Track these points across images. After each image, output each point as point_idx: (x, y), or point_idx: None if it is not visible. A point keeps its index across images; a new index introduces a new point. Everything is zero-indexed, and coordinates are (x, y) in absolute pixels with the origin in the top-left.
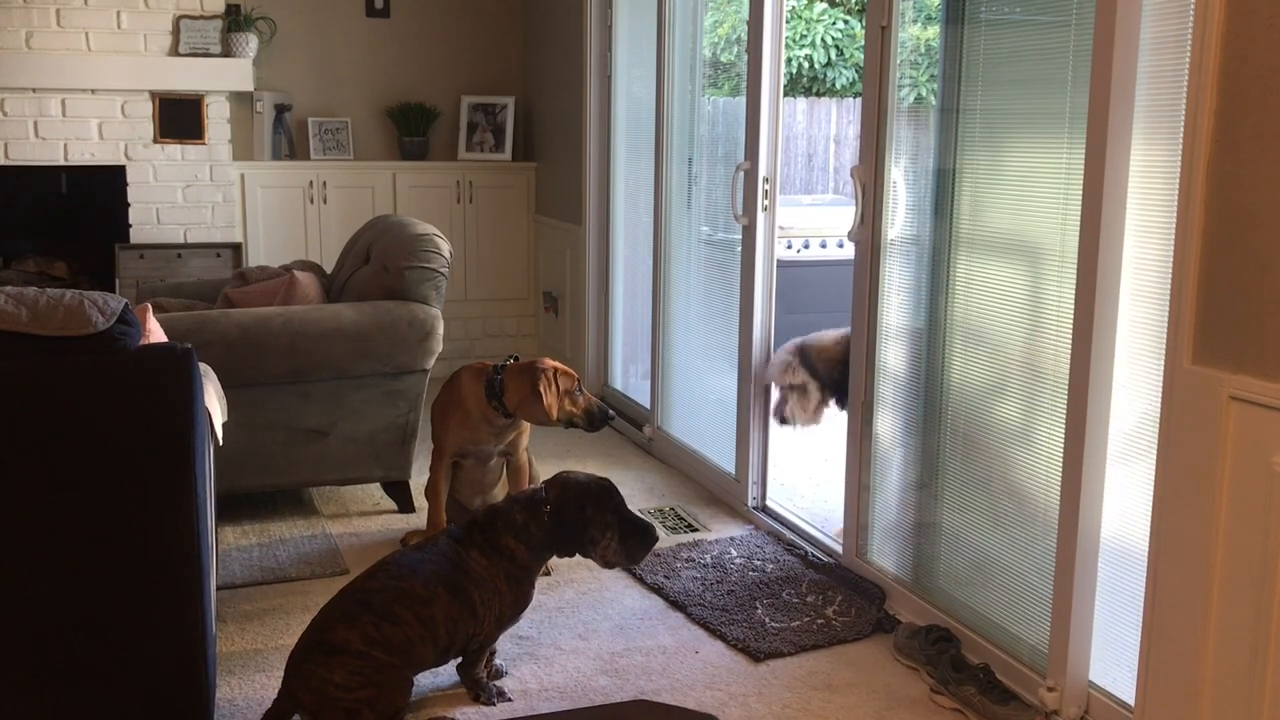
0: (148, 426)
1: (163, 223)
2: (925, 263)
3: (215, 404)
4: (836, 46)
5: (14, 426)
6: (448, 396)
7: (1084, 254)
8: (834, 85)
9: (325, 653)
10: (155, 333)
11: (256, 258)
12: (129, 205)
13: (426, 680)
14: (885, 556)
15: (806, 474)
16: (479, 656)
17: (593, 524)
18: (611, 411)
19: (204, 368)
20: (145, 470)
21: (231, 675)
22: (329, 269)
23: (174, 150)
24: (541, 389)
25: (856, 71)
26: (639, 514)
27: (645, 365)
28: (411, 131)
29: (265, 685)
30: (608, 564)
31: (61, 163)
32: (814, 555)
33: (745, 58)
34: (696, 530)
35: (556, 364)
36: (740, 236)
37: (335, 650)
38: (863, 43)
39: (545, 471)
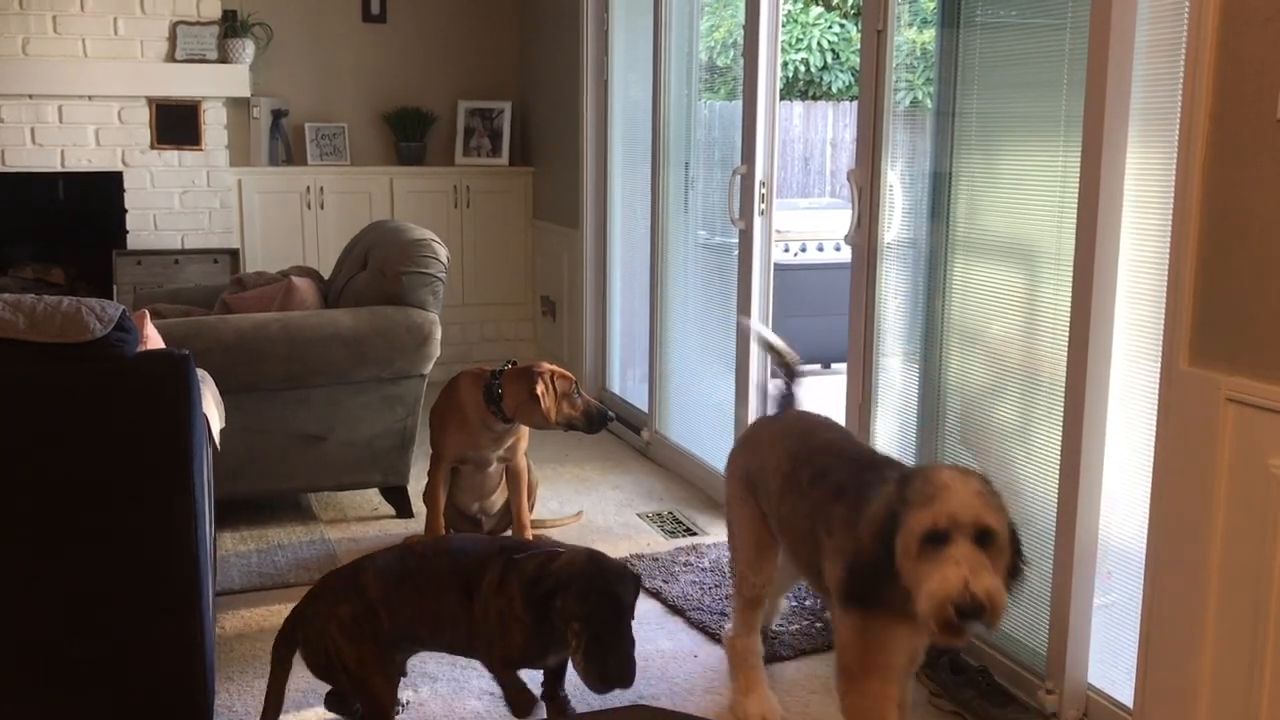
0: (146, 433)
1: (160, 229)
2: (922, 266)
3: (213, 410)
4: (832, 50)
5: (12, 433)
6: (446, 402)
7: (1080, 256)
8: (830, 89)
9: (354, 590)
10: (153, 339)
11: (254, 263)
12: (126, 211)
13: (426, 688)
14: None
15: None
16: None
17: (562, 618)
18: (611, 413)
19: (202, 374)
20: (144, 476)
21: (230, 681)
22: (326, 274)
23: (171, 156)
24: (539, 392)
25: (852, 75)
26: (627, 640)
27: (643, 369)
28: (408, 136)
29: (264, 690)
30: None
31: (58, 169)
32: None
33: (741, 61)
34: (695, 534)
35: (553, 367)
36: (737, 240)
37: (360, 589)
38: (859, 46)
39: (543, 474)
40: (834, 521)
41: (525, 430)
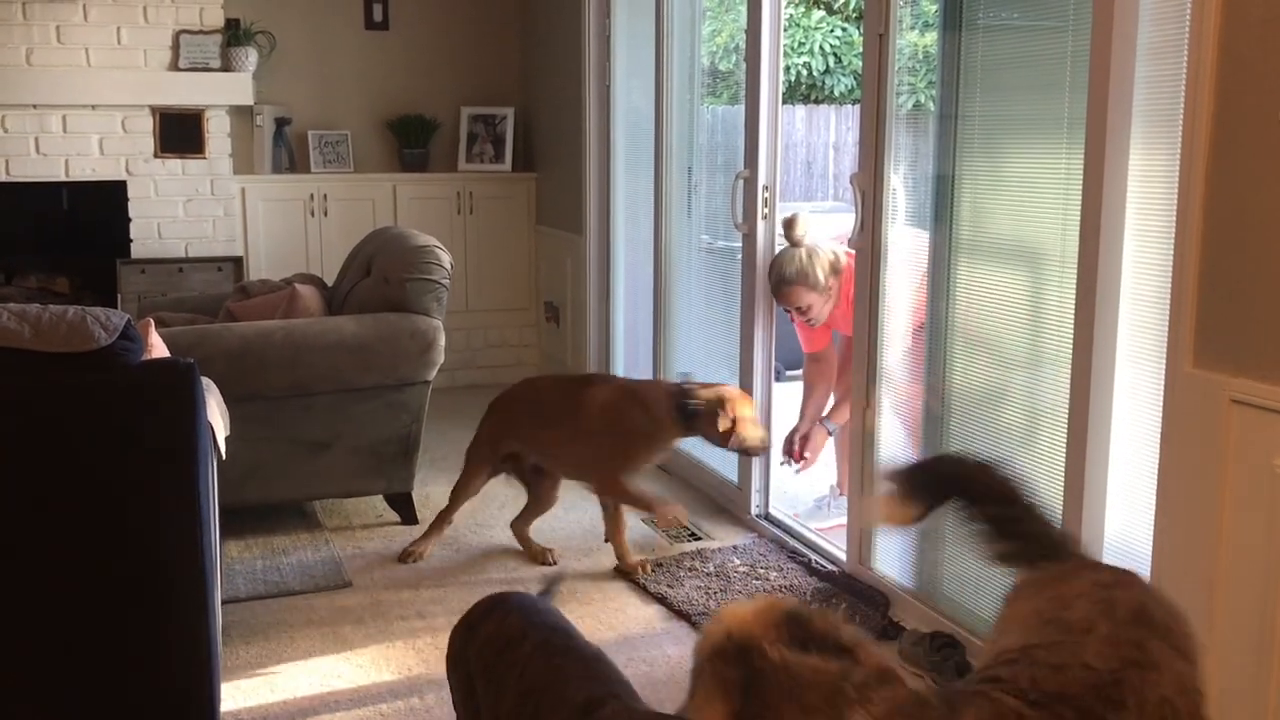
0: (151, 441)
1: (164, 237)
2: (926, 268)
3: (218, 418)
4: (835, 54)
5: (18, 442)
6: (629, 428)
7: (1084, 258)
8: (832, 92)
9: (468, 628)
10: (157, 347)
11: (258, 271)
12: (130, 220)
13: (432, 694)
14: (889, 563)
15: (809, 482)
16: None
17: None
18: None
19: (206, 382)
20: (149, 485)
21: (236, 689)
22: (330, 282)
23: (175, 164)
24: (738, 415)
25: (855, 78)
26: None
27: (647, 373)
28: (411, 143)
29: (270, 698)
30: None
31: (63, 178)
32: (817, 563)
33: (744, 66)
34: (699, 539)
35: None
36: (740, 244)
37: (472, 625)
38: (861, 50)
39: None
40: None
41: None
